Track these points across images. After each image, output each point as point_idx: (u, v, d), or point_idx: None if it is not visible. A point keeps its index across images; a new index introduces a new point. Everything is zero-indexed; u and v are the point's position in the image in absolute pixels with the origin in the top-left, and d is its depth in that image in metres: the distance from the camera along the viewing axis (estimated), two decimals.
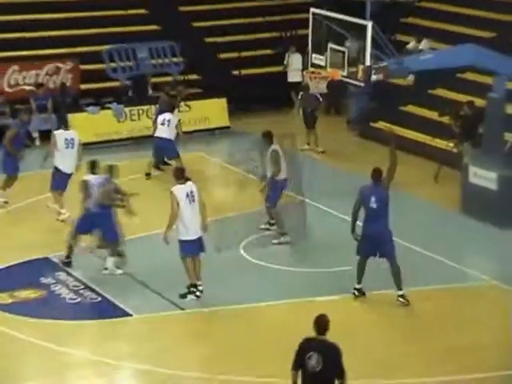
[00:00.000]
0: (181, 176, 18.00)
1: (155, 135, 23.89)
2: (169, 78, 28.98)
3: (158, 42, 29.18)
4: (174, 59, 29.05)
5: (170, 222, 17.86)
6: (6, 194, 22.37)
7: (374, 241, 17.59)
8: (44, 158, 21.73)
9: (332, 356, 12.37)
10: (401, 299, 17.56)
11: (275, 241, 20.56)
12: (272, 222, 20.95)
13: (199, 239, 17.98)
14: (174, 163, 23.63)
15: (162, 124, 23.91)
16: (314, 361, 12.32)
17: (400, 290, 17.64)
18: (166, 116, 23.95)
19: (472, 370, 15.67)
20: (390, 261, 17.60)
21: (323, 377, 12.36)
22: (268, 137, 20.75)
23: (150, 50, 28.93)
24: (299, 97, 27.43)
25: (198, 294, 17.95)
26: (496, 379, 15.54)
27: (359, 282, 17.87)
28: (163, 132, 23.80)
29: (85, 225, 19.16)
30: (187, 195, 17.68)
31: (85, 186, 19.14)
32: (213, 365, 15.84)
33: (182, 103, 26.75)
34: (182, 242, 17.91)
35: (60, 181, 21.43)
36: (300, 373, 12.45)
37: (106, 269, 19.08)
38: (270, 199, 20.58)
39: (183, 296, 18.03)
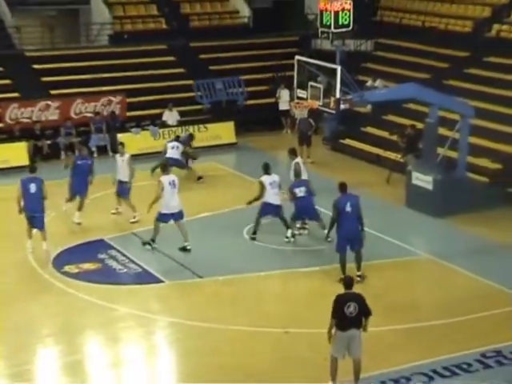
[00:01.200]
0: (166, 170, 19.01)
1: (167, 156, 23.79)
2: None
3: (229, 78, 29.63)
4: (240, 89, 29.65)
5: (154, 200, 18.75)
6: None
7: (350, 238, 17.08)
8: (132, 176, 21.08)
9: (361, 302, 12.98)
10: (358, 278, 16.97)
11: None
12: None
13: (179, 212, 18.81)
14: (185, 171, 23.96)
15: (172, 148, 23.99)
16: (352, 308, 12.84)
17: (359, 270, 17.26)
18: (175, 144, 24.09)
19: (411, 322, 15.70)
20: (358, 252, 17.26)
21: (357, 318, 12.94)
22: (292, 152, 20.48)
23: (224, 83, 29.45)
24: (298, 122, 27.27)
25: (154, 245, 18.81)
26: (428, 328, 15.53)
27: (344, 273, 16.84)
28: (173, 154, 23.85)
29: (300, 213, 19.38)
30: (170, 183, 18.64)
31: (261, 185, 19.41)
32: (225, 318, 15.79)
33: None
34: (161, 214, 18.76)
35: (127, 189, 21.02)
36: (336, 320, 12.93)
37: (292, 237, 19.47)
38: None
39: (145, 244, 18.95)
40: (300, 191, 19.21)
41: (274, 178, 19.56)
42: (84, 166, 20.78)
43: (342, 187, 17.36)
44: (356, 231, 17.09)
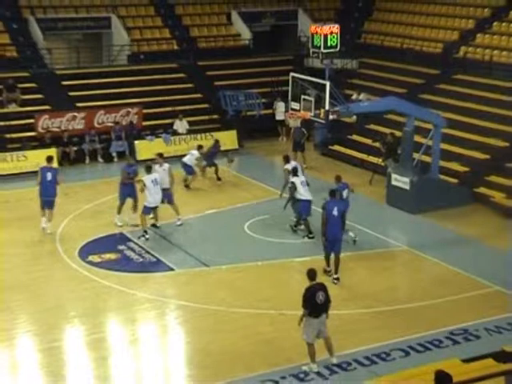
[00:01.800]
0: (149, 171, 19.33)
1: (182, 160, 23.69)
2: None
3: (249, 91, 29.63)
4: (257, 101, 29.66)
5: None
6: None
7: (334, 239, 16.65)
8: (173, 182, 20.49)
9: (326, 291, 13.07)
10: (335, 281, 16.55)
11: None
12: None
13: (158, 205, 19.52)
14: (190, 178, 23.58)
15: (190, 154, 23.70)
16: (321, 297, 12.93)
17: (336, 273, 16.70)
18: (192, 151, 23.89)
19: (390, 304, 15.78)
20: (337, 255, 16.78)
21: (324, 305, 13.03)
22: (285, 159, 20.54)
23: (245, 95, 29.50)
24: (292, 131, 27.18)
25: (147, 236, 19.01)
26: (404, 310, 15.58)
27: (328, 266, 16.91)
28: (186, 160, 23.59)
29: None
30: (152, 181, 19.12)
31: (293, 185, 19.16)
32: (227, 302, 15.89)
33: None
34: (146, 207, 19.27)
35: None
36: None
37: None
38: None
39: (140, 237, 19.01)
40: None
41: (302, 178, 19.48)
42: (132, 174, 20.15)
43: (332, 193, 17.26)
44: (339, 234, 16.76)
